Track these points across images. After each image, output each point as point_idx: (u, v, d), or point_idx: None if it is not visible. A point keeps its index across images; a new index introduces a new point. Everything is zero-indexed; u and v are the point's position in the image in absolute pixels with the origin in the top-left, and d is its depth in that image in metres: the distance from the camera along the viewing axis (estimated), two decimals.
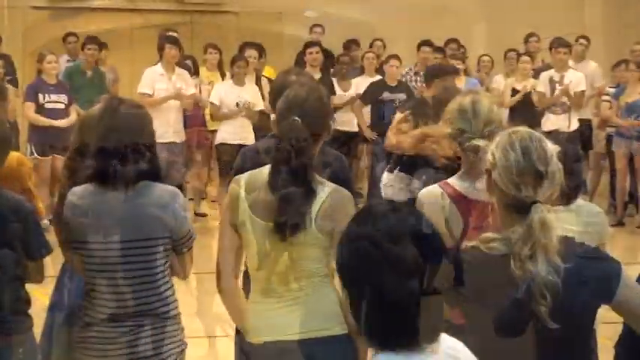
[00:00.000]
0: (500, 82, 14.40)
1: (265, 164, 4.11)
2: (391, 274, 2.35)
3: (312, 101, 4.09)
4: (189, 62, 13.33)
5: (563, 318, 3.00)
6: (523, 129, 3.20)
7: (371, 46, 15.24)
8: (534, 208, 3.03)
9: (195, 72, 13.23)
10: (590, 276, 3.07)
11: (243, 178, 4.06)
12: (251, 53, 12.95)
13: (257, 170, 4.06)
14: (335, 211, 3.91)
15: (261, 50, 13.47)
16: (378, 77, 13.66)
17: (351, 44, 15.64)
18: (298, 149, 3.92)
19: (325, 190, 3.97)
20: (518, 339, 3.06)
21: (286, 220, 3.87)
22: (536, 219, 3.01)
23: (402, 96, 13.20)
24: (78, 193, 4.29)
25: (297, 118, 3.97)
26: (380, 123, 12.99)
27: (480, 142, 4.11)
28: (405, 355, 2.37)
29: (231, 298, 4.12)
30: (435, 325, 2.43)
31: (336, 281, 3.94)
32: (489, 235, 3.11)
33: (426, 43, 14.28)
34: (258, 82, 12.83)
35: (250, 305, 4.06)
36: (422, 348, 2.40)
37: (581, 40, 14.56)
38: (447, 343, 2.48)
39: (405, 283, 2.36)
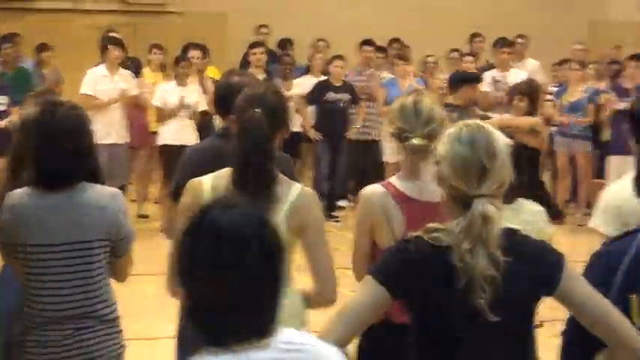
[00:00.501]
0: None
1: (212, 164, 4.08)
2: (210, 272, 2.35)
3: (271, 95, 4.09)
4: (129, 64, 13.24)
5: (504, 310, 3.01)
6: (474, 122, 3.18)
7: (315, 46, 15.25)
8: (476, 202, 3.02)
9: (137, 74, 13.16)
10: (532, 267, 3.08)
11: (207, 179, 4.02)
12: (194, 54, 12.92)
13: (220, 172, 4.02)
14: (305, 210, 3.94)
15: (204, 51, 13.43)
16: (323, 77, 13.64)
17: (285, 43, 15.63)
18: (260, 145, 3.89)
19: (294, 189, 3.98)
20: (461, 335, 3.06)
21: None
22: (477, 213, 3.01)
23: (347, 96, 13.23)
24: (16, 196, 4.25)
25: (257, 110, 3.95)
26: (332, 123, 13.02)
27: (421, 142, 4.12)
28: (232, 353, 2.35)
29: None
30: (265, 320, 2.40)
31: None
32: (433, 225, 3.09)
33: (368, 42, 14.29)
34: (201, 83, 12.78)
35: None
36: (251, 343, 2.37)
37: (520, 40, 14.67)
38: (286, 337, 2.45)
39: (225, 281, 2.35)
